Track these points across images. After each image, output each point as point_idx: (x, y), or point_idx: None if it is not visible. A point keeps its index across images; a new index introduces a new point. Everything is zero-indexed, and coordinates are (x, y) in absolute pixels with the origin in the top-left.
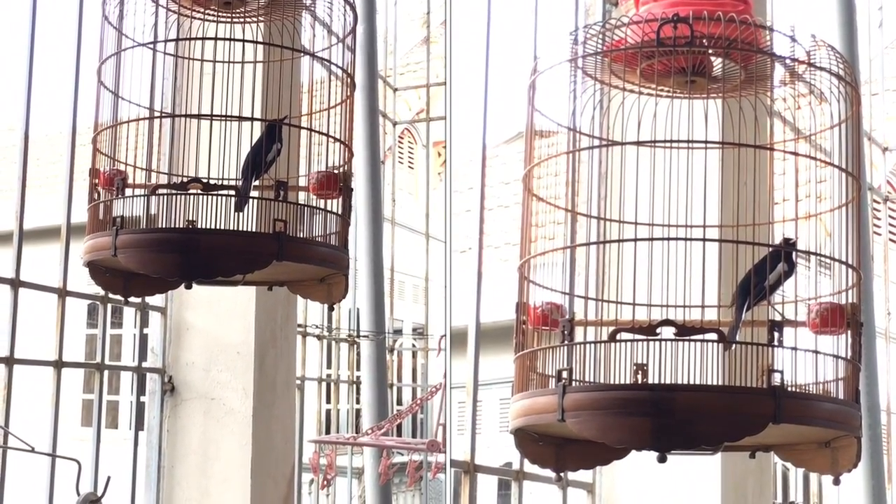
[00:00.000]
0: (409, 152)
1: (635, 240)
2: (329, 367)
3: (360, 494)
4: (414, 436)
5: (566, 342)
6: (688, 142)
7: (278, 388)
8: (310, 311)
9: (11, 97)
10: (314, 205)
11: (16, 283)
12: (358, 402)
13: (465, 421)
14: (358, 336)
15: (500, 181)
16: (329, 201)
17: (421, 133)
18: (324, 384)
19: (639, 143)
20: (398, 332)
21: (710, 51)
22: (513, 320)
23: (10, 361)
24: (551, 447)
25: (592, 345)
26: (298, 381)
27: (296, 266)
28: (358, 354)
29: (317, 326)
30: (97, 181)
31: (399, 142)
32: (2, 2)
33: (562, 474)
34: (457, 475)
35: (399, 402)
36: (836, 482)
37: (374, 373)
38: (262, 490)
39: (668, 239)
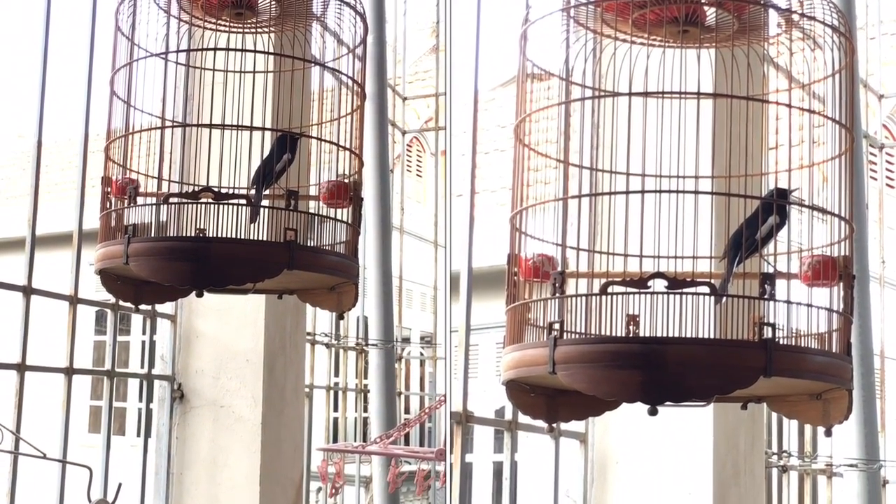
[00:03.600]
0: (418, 161)
1: (627, 192)
2: (337, 375)
3: (369, 503)
4: (422, 444)
5: (557, 294)
6: (680, 93)
7: (287, 396)
8: (318, 320)
9: (23, 105)
10: (324, 214)
11: (28, 291)
12: (366, 410)
13: (458, 368)
14: (366, 344)
15: (496, 124)
16: (339, 210)
17: (430, 142)
18: (331, 392)
19: (631, 94)
20: (406, 340)
21: (703, 0)
22: None
23: (21, 368)
24: (543, 398)
25: (584, 297)
26: (307, 390)
27: (306, 275)
28: (366, 363)
29: (325, 335)
30: (109, 190)
31: (408, 150)
32: (16, 11)
33: (553, 425)
34: (450, 425)
35: (407, 411)
36: (828, 434)
37: (382, 381)
38: (270, 497)
39: (661, 191)
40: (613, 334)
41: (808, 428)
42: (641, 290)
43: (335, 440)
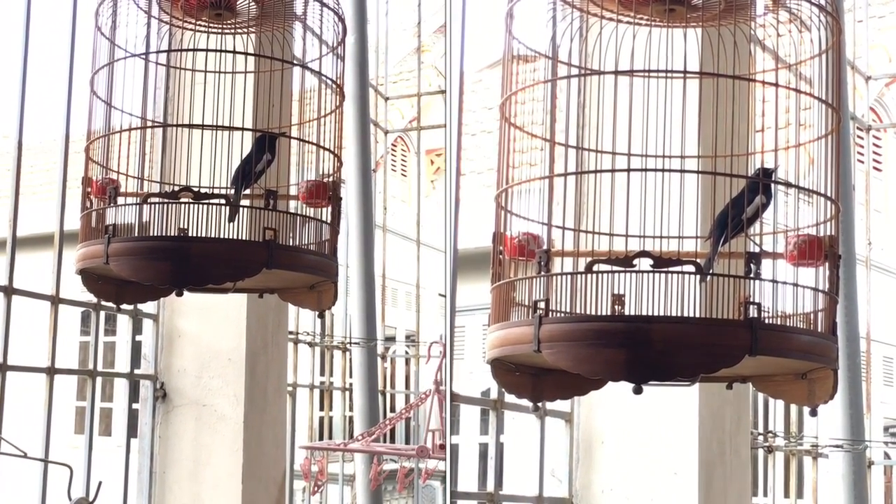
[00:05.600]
0: (402, 160)
1: (612, 171)
2: (323, 374)
3: (352, 501)
4: (407, 442)
5: (542, 273)
6: (666, 72)
7: (269, 395)
8: (302, 319)
9: (5, 105)
10: (304, 213)
11: (9, 291)
12: (351, 408)
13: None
14: (349, 343)
15: (483, 106)
16: (319, 210)
17: (413, 141)
18: (316, 391)
19: (617, 73)
20: (391, 339)
21: None
22: None
23: (2, 368)
24: (528, 377)
25: (569, 276)
26: (290, 388)
27: (285, 274)
28: (350, 361)
29: (308, 333)
30: (90, 190)
31: (392, 149)
32: None
33: (538, 404)
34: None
35: (392, 409)
36: (813, 413)
37: (365, 379)
38: (252, 496)
39: (647, 170)
40: (598, 313)
41: (793, 409)
42: (627, 269)
43: (320, 439)
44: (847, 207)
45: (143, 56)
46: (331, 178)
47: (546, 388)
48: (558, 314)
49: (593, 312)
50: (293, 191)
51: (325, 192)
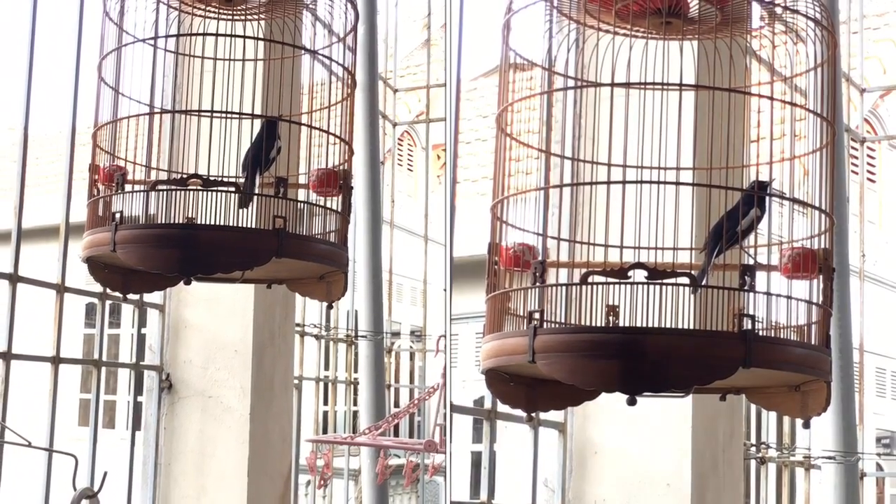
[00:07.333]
0: (409, 154)
1: (608, 182)
2: (327, 368)
3: (357, 495)
4: (411, 437)
5: (538, 284)
6: (662, 84)
7: (276, 387)
8: (308, 311)
9: (12, 96)
10: (314, 202)
11: (14, 279)
12: (355, 403)
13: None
14: (355, 336)
15: (478, 114)
16: (329, 199)
17: (420, 135)
18: (321, 384)
19: (613, 85)
20: (396, 334)
21: None
22: None
23: (7, 357)
24: (522, 388)
25: (564, 287)
26: (296, 381)
27: (295, 263)
28: (356, 355)
29: (315, 326)
30: (97, 177)
31: (399, 144)
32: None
33: (532, 414)
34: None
35: (397, 405)
36: (806, 425)
37: (371, 373)
38: (258, 488)
39: (642, 182)
40: (593, 324)
41: (786, 420)
42: (621, 281)
43: (325, 432)
44: (841, 219)
45: (152, 41)
46: (342, 167)
47: (540, 398)
48: (553, 325)
49: (588, 323)
50: (303, 179)
51: (336, 180)
